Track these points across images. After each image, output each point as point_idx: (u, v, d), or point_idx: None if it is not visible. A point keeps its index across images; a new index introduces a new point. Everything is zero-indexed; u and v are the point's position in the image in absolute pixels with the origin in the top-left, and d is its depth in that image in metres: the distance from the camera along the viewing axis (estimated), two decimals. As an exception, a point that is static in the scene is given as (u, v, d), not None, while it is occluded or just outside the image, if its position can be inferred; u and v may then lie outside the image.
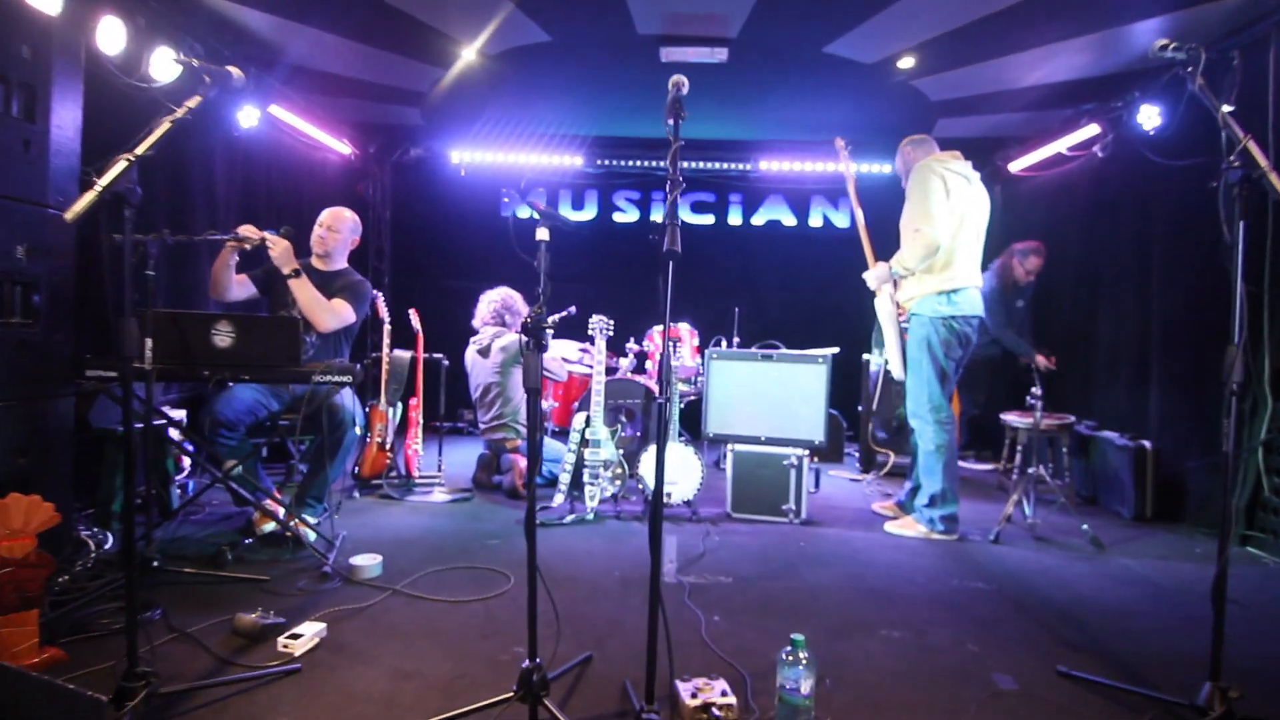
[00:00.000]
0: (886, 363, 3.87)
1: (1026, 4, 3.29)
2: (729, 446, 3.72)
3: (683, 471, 3.67)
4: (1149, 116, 4.06)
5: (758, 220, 6.54)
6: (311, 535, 2.94)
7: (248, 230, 2.91)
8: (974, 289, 3.42)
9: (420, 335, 4.24)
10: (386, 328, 4.07)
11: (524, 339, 1.77)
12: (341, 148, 5.60)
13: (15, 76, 2.36)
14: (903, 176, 3.60)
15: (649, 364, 4.99)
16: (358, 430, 3.18)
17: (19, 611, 1.92)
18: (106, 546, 2.78)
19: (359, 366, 2.78)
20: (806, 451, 3.62)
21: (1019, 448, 3.88)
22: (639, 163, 6.23)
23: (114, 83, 3.13)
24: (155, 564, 2.56)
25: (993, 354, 5.04)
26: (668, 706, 1.82)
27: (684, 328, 5.09)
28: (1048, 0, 3.28)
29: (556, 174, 6.34)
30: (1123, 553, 3.30)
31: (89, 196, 1.54)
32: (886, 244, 3.60)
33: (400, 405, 4.13)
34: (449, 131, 5.90)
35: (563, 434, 4.70)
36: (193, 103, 1.73)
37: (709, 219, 6.52)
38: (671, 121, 1.69)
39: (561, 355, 4.88)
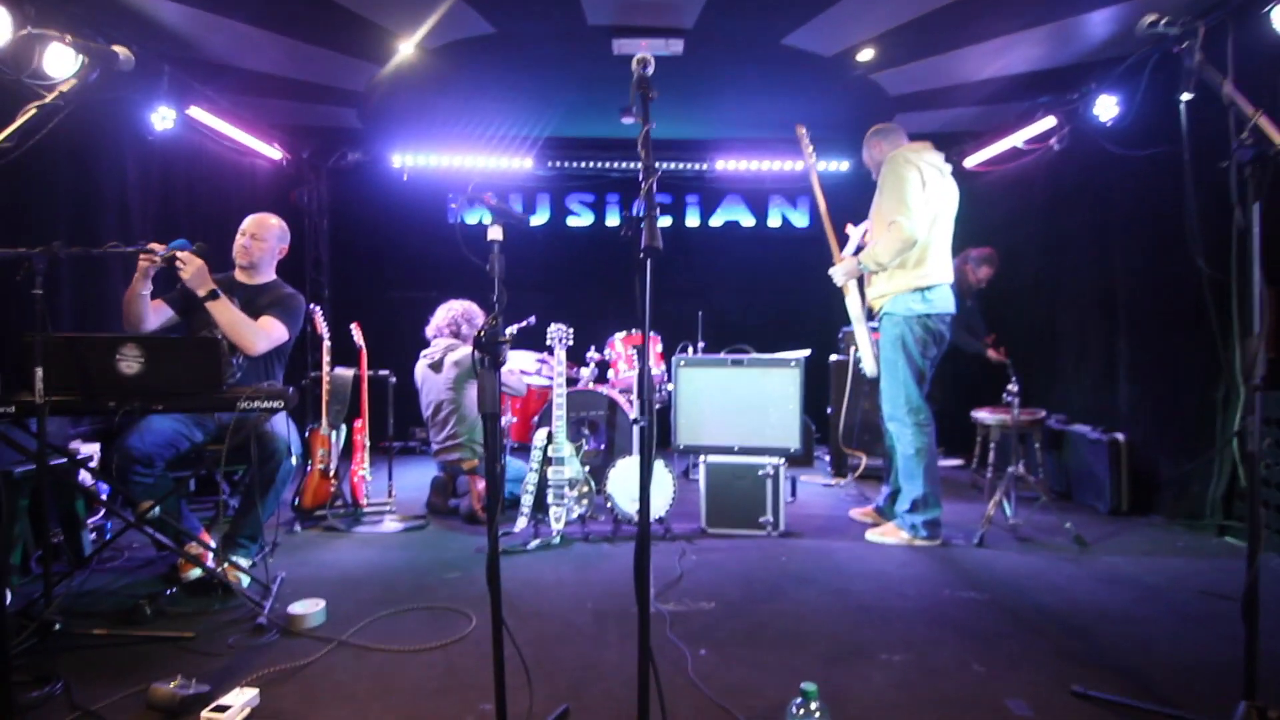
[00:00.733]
0: (859, 362, 3.74)
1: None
2: (702, 458, 3.53)
3: (653, 486, 3.45)
4: (1106, 107, 4.04)
5: (715, 221, 6.40)
6: (244, 580, 2.63)
7: (155, 249, 2.58)
8: (947, 286, 3.31)
9: (364, 351, 3.92)
10: (326, 344, 3.74)
11: (478, 356, 1.53)
12: (272, 152, 5.22)
13: None
14: (873, 169, 3.47)
15: (611, 373, 4.77)
16: (294, 459, 2.87)
17: None
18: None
19: (292, 390, 2.47)
20: (782, 460, 3.45)
21: (991, 445, 3.80)
22: (592, 164, 6.00)
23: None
24: (57, 627, 2.24)
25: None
26: (659, 767, 1.60)
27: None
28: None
29: (506, 177, 6.07)
30: (1107, 550, 3.23)
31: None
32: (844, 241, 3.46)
33: (344, 428, 3.81)
34: (389, 134, 5.58)
35: (523, 450, 4.44)
36: (65, 86, 1.45)
37: (666, 221, 6.34)
38: (639, 104, 1.50)
39: (519, 367, 4.62)
